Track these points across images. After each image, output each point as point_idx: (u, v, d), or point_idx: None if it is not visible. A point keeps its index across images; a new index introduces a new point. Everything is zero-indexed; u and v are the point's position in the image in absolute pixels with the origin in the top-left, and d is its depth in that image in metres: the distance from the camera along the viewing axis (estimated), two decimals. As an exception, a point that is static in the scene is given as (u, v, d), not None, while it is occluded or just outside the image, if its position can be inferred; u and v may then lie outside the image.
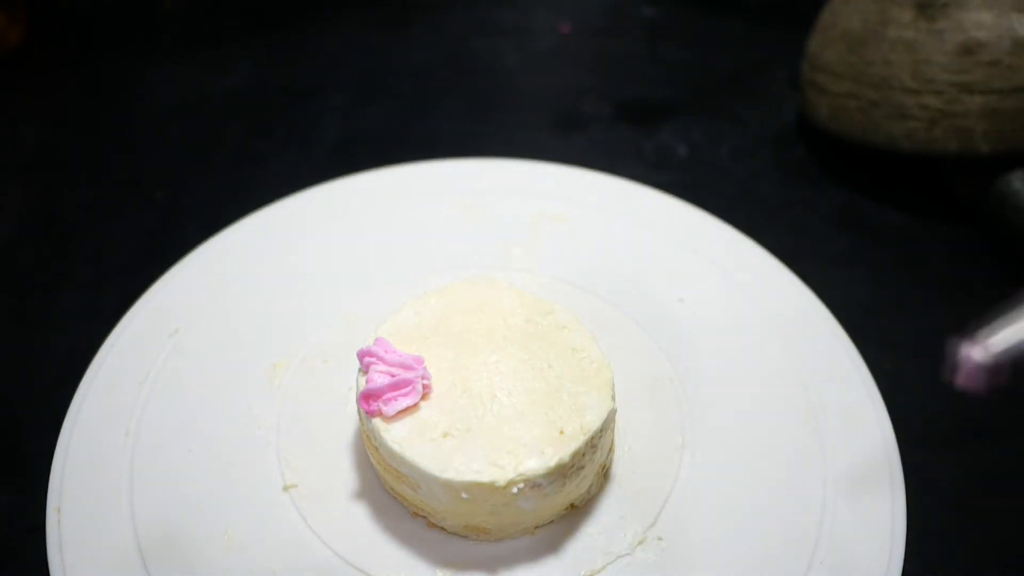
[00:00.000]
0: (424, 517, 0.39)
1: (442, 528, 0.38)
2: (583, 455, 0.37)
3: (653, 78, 0.73)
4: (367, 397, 0.37)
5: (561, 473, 0.36)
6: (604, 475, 0.40)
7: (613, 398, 0.38)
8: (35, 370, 0.49)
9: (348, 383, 0.44)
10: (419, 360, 0.38)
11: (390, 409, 0.37)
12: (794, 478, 0.40)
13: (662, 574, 0.37)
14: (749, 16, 0.79)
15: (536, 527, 0.39)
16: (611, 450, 0.41)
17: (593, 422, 0.37)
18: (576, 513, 0.39)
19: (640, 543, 0.38)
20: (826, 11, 0.64)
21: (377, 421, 0.37)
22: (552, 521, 0.39)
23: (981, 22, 0.55)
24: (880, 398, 0.43)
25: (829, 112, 0.62)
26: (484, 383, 0.38)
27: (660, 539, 0.38)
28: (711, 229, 0.52)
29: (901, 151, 0.59)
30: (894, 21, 0.57)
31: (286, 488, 0.40)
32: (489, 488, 0.35)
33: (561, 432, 0.36)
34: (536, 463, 0.35)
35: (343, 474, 0.41)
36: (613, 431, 0.40)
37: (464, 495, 0.36)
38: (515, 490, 0.35)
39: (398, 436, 0.37)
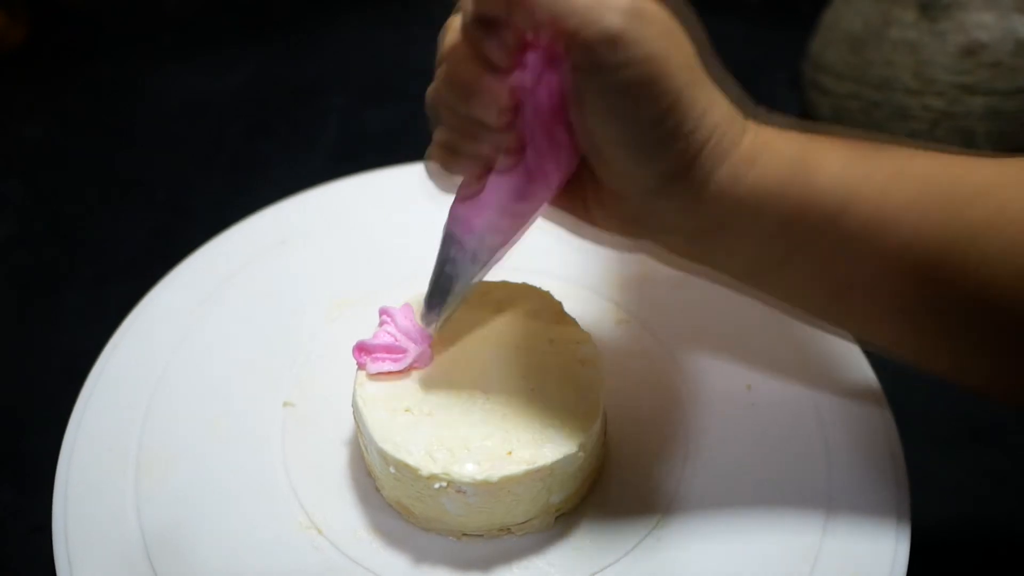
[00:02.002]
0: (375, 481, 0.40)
1: (381, 495, 0.39)
2: (519, 484, 0.36)
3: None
4: (362, 348, 0.39)
5: (488, 492, 0.36)
6: (591, 486, 0.40)
7: (582, 446, 0.36)
8: (39, 370, 0.49)
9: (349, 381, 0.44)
10: (426, 338, 0.39)
11: (374, 367, 0.38)
12: (797, 481, 0.40)
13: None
14: (750, 16, 0.79)
15: (464, 534, 0.38)
16: (603, 461, 0.40)
17: (544, 458, 0.36)
18: (561, 521, 0.39)
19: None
20: (828, 11, 0.64)
21: (360, 374, 0.39)
22: (482, 535, 0.38)
23: (983, 23, 0.55)
24: (884, 398, 0.43)
25: (831, 113, 0.62)
26: (470, 381, 0.38)
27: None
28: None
29: (903, 152, 0.59)
30: (896, 22, 0.57)
31: (317, 532, 0.39)
32: (413, 473, 0.36)
33: (509, 454, 0.36)
34: (468, 470, 0.35)
35: (343, 469, 0.41)
36: (581, 471, 0.38)
37: (392, 470, 0.37)
38: (437, 486, 0.36)
39: (367, 394, 0.38)
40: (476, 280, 0.35)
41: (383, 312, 0.40)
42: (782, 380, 0.44)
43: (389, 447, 0.36)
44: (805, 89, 0.65)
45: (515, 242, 0.34)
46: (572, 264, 0.50)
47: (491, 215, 0.32)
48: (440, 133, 0.32)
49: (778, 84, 0.72)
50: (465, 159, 0.31)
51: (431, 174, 0.33)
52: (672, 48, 0.28)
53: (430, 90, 0.31)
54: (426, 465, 0.35)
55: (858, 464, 0.40)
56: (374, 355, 0.39)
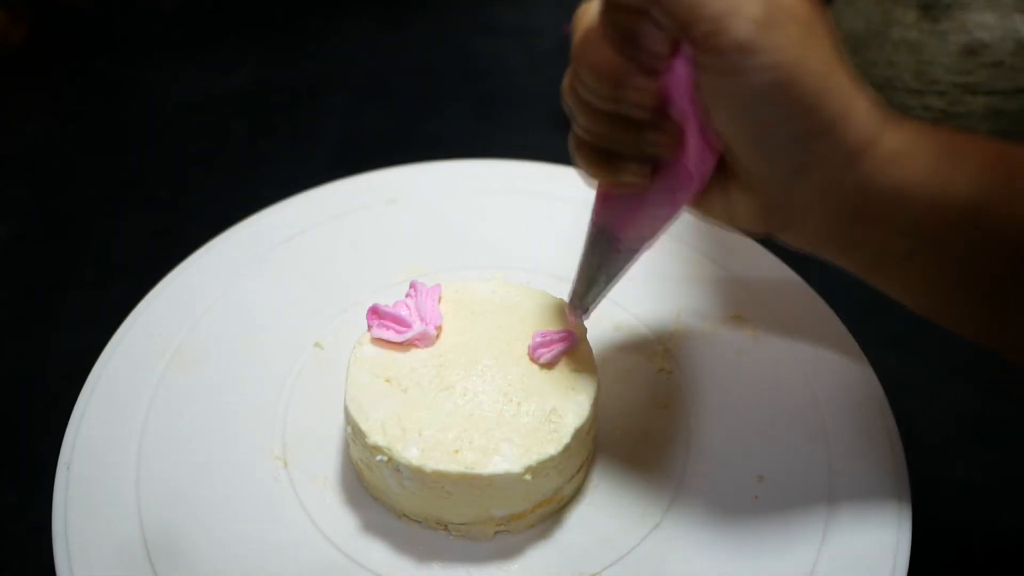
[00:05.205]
0: None
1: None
2: (453, 484, 0.36)
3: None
4: (376, 311, 0.40)
5: (421, 480, 0.36)
6: (549, 517, 0.40)
7: (529, 470, 0.36)
8: (40, 369, 0.49)
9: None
10: (436, 320, 0.40)
11: (377, 332, 0.40)
12: (797, 480, 0.40)
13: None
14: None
15: (403, 514, 0.39)
16: (571, 497, 0.40)
17: (484, 468, 0.36)
18: (551, 522, 0.39)
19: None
20: (829, 12, 0.64)
21: (365, 335, 0.40)
22: (420, 522, 0.39)
23: (984, 23, 0.55)
24: (884, 397, 0.43)
25: (832, 113, 0.62)
26: (459, 375, 0.39)
27: None
28: (714, 230, 0.52)
29: (904, 152, 0.59)
30: (897, 22, 0.57)
31: (284, 463, 0.40)
32: (362, 438, 0.37)
33: (456, 452, 0.36)
34: (408, 452, 0.36)
35: (346, 471, 0.41)
36: (529, 495, 0.38)
37: (349, 429, 0.38)
38: (378, 458, 0.36)
39: (361, 354, 0.40)
40: (627, 270, 0.36)
41: (413, 285, 0.41)
42: (783, 381, 0.44)
43: (353, 407, 0.37)
44: (806, 89, 0.65)
45: (666, 229, 0.34)
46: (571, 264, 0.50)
47: (646, 212, 0.32)
48: (580, 131, 0.31)
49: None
50: (619, 165, 0.31)
51: (581, 173, 0.33)
52: (809, 49, 0.27)
53: (566, 83, 0.31)
54: (374, 435, 0.36)
55: (859, 463, 0.40)
56: (382, 320, 0.40)
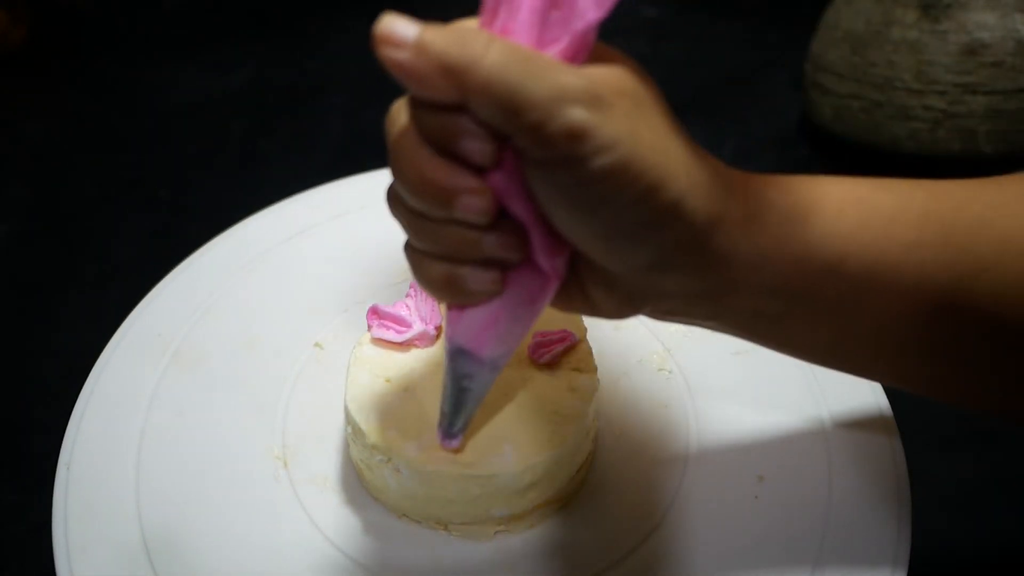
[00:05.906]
0: None
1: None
2: (453, 482, 0.36)
3: (655, 78, 0.73)
4: (375, 311, 0.40)
5: (421, 480, 0.36)
6: (548, 518, 0.39)
7: (529, 469, 0.36)
8: (40, 369, 0.49)
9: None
10: (436, 320, 0.40)
11: (377, 332, 0.40)
12: (798, 479, 0.40)
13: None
14: (751, 16, 0.79)
15: (403, 514, 0.39)
16: (570, 496, 0.40)
17: (483, 468, 0.36)
18: (551, 522, 0.39)
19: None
20: (829, 12, 0.64)
21: (365, 335, 0.40)
22: (420, 522, 0.38)
23: (985, 23, 0.55)
24: (885, 396, 0.43)
25: (832, 113, 0.62)
26: None
27: None
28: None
29: (904, 152, 0.59)
30: (898, 22, 0.57)
31: (284, 463, 0.40)
32: (362, 438, 0.37)
33: (457, 451, 0.36)
34: (407, 452, 0.36)
35: (347, 471, 0.41)
36: (529, 493, 0.37)
37: (349, 429, 0.38)
38: (378, 458, 0.36)
39: (361, 354, 0.39)
40: (492, 382, 0.33)
41: (413, 285, 0.41)
42: (783, 381, 0.44)
43: (353, 407, 0.37)
44: (807, 89, 0.65)
45: (527, 333, 0.31)
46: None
47: (503, 323, 0.29)
48: (415, 243, 0.28)
49: (779, 84, 0.72)
50: (465, 278, 0.28)
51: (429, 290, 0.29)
52: (643, 123, 0.25)
53: (389, 193, 0.28)
54: (373, 434, 0.36)
55: (859, 463, 0.40)
56: (382, 320, 0.40)
